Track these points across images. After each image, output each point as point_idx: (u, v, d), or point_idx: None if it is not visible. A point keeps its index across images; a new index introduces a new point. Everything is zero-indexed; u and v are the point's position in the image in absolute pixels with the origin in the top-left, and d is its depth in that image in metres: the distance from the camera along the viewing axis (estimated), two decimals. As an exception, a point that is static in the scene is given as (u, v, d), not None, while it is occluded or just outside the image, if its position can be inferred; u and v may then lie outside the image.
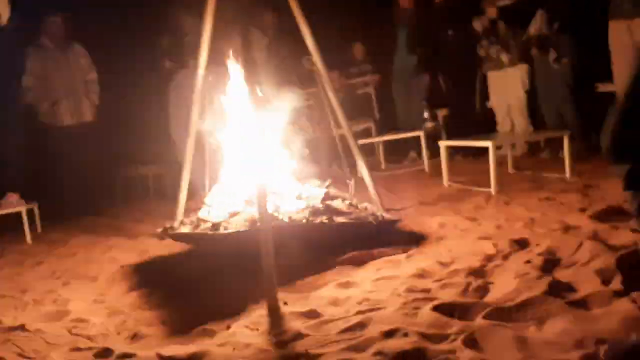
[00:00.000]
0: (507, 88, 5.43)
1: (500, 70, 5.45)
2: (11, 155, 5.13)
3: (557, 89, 4.97)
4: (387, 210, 3.62)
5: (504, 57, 5.35)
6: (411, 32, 6.06)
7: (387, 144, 6.19)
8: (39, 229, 4.74)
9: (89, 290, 2.83)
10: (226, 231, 2.59)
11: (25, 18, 5.24)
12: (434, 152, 5.13)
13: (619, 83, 4.48)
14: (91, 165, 5.40)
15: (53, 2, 5.40)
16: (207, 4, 3.31)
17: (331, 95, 3.50)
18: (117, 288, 2.77)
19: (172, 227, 3.00)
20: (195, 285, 2.60)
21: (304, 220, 2.70)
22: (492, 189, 3.76)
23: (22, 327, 2.25)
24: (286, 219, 2.69)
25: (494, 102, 5.62)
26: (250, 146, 2.80)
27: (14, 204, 4.50)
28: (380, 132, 6.47)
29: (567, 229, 2.64)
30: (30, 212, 4.60)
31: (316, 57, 3.33)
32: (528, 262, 2.22)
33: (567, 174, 3.95)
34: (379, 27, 6.56)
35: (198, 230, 2.74)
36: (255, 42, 5.57)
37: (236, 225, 2.64)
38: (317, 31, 3.33)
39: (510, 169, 4.54)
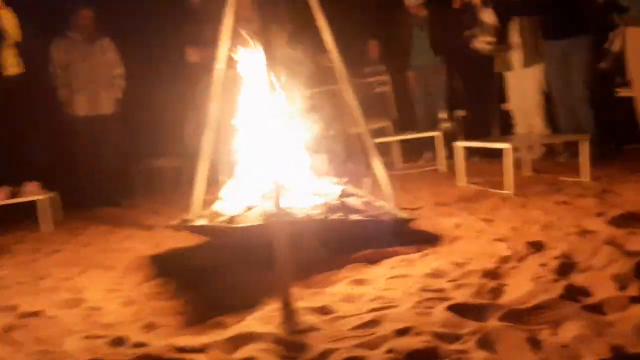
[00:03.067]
0: (523, 89, 5.39)
1: (516, 71, 5.39)
2: (32, 144, 5.24)
3: (574, 90, 4.91)
4: (402, 209, 3.63)
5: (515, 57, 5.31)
6: (435, 33, 6.05)
7: (403, 144, 6.18)
8: (57, 218, 4.81)
9: (105, 279, 2.86)
10: (241, 225, 2.60)
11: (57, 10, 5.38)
12: (451, 153, 5.11)
13: (637, 88, 4.45)
14: (109, 156, 5.48)
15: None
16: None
17: (349, 93, 3.50)
18: (133, 278, 2.80)
19: (188, 219, 3.02)
20: (209, 278, 2.61)
21: (320, 217, 2.70)
22: (509, 191, 3.73)
23: (38, 314, 2.29)
24: (302, 215, 2.70)
25: (511, 103, 5.58)
26: (268, 140, 2.82)
27: (33, 192, 4.57)
28: (396, 132, 6.47)
29: (583, 233, 2.62)
30: (49, 201, 4.67)
31: (334, 54, 3.32)
32: (543, 265, 2.21)
33: (585, 178, 3.91)
34: (394, 25, 6.54)
35: (213, 223, 2.75)
36: (274, 37, 5.59)
37: (251, 219, 2.65)
38: (333, 27, 3.34)
39: (527, 172, 4.51)
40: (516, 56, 5.35)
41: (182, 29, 5.31)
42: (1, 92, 4.82)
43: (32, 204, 4.56)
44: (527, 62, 5.26)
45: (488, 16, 5.34)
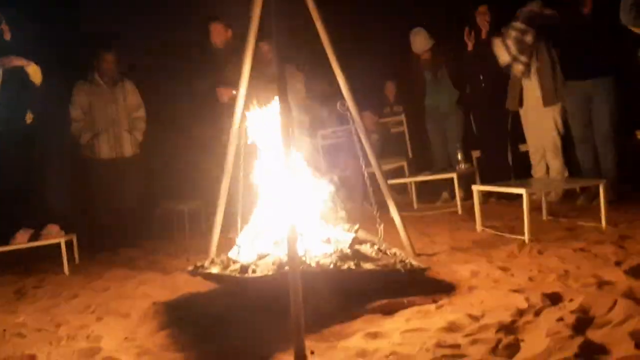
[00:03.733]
0: (541, 129, 5.38)
1: (533, 111, 5.38)
2: (54, 186, 5.35)
3: (598, 131, 4.88)
4: (418, 255, 3.62)
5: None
6: (454, 70, 6.11)
7: (420, 183, 6.18)
8: (77, 260, 4.87)
9: (121, 327, 2.87)
10: (254, 275, 2.62)
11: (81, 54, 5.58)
12: (468, 194, 5.10)
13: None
14: (128, 198, 5.56)
15: (108, 40, 5.69)
16: (248, 43, 3.42)
17: (363, 137, 3.55)
18: (148, 326, 2.81)
19: (202, 266, 3.05)
20: (224, 326, 2.62)
21: (332, 266, 2.71)
22: (526, 237, 3.70)
23: (55, 365, 2.31)
24: (314, 264, 2.70)
25: (529, 144, 5.57)
26: (282, 186, 2.86)
27: (54, 235, 4.65)
28: (413, 172, 6.48)
29: (601, 284, 2.58)
30: (69, 243, 4.74)
31: (349, 101, 3.39)
32: (560, 319, 2.17)
33: (603, 224, 3.86)
34: (409, 68, 6.63)
35: (227, 272, 2.78)
36: (290, 77, 5.70)
37: (264, 268, 2.67)
38: (350, 69, 3.42)
39: (545, 216, 4.47)
40: (532, 95, 5.35)
41: (206, 72, 5.45)
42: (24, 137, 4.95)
43: (52, 246, 4.63)
44: (546, 102, 5.25)
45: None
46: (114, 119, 5.58)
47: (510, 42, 5.27)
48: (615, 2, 4.49)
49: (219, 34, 5.51)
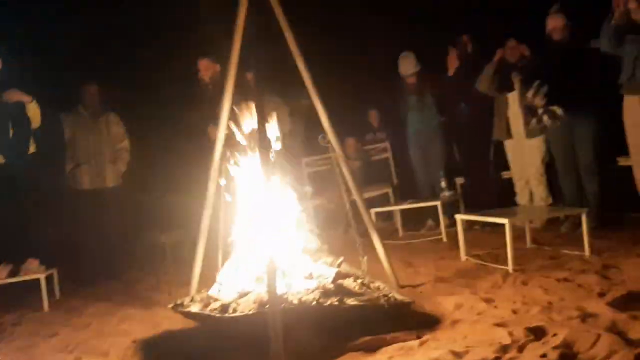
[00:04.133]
0: (524, 158, 5.41)
1: (517, 140, 5.42)
2: (34, 219, 5.28)
3: (580, 160, 4.91)
4: (402, 287, 3.60)
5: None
6: (437, 96, 6.14)
7: (405, 209, 6.16)
8: (58, 295, 4.78)
9: (99, 369, 2.81)
10: (234, 314, 2.58)
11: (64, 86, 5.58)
12: (452, 221, 5.10)
13: (634, 157, 4.46)
14: (111, 229, 5.50)
15: (92, 72, 5.70)
16: (228, 77, 3.43)
17: (344, 167, 3.55)
18: (127, 367, 2.76)
19: (182, 304, 3.00)
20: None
21: (314, 302, 2.67)
22: (510, 267, 3.69)
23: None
24: (295, 301, 2.67)
25: (512, 171, 5.60)
26: (262, 221, 2.84)
27: (34, 270, 4.56)
28: (398, 198, 6.48)
29: (585, 317, 2.56)
30: (50, 277, 4.65)
31: (330, 133, 3.39)
32: (544, 356, 2.16)
33: (587, 252, 3.87)
34: (393, 93, 6.67)
35: (207, 311, 2.73)
36: (275, 110, 5.70)
37: (245, 306, 2.63)
38: (333, 96, 3.43)
39: (529, 243, 4.47)
40: (517, 126, 5.37)
41: (193, 108, 5.46)
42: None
43: (33, 280, 4.54)
44: (529, 134, 5.29)
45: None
46: (96, 150, 5.55)
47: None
48: (593, 30, 4.59)
49: (206, 69, 5.52)
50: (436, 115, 6.21)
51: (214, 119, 5.23)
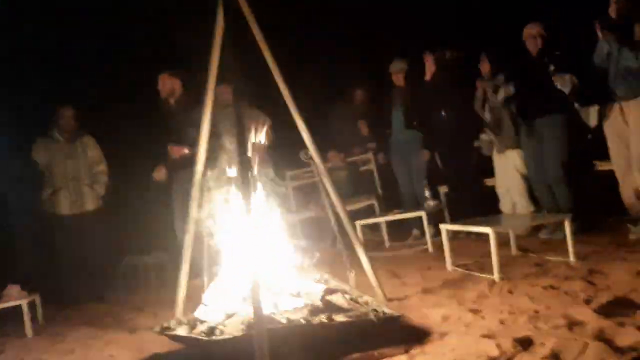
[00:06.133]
0: (505, 169, 5.46)
1: (497, 153, 5.50)
2: (16, 242, 5.21)
3: (548, 170, 4.97)
4: (390, 300, 3.58)
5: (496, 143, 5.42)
6: (407, 108, 6.17)
7: (391, 220, 6.17)
8: (41, 320, 4.70)
9: (84, 397, 2.75)
10: (220, 337, 2.54)
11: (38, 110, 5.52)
12: (438, 230, 5.10)
13: (616, 162, 4.52)
14: (92, 253, 5.43)
15: (66, 95, 5.64)
16: (207, 94, 3.40)
17: (327, 182, 3.53)
18: (113, 394, 2.71)
19: (168, 327, 2.95)
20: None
21: (302, 321, 2.65)
22: (496, 276, 3.70)
23: None
24: (283, 320, 2.64)
25: (496, 181, 5.64)
26: (247, 241, 2.81)
27: (15, 296, 4.48)
28: (383, 209, 6.48)
29: (571, 325, 2.57)
30: (32, 303, 4.57)
31: (312, 150, 3.38)
32: (532, 367, 2.16)
33: (571, 258, 3.89)
34: (380, 105, 6.71)
35: (193, 334, 2.69)
36: (255, 124, 5.68)
37: (232, 328, 2.59)
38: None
39: (514, 251, 4.49)
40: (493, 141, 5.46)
41: (160, 127, 5.42)
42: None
43: (15, 306, 4.46)
44: (500, 149, 5.37)
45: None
46: (73, 175, 5.48)
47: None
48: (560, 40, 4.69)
49: (164, 85, 5.42)
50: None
51: (178, 136, 5.28)
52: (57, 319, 4.77)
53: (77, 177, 5.49)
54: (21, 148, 5.37)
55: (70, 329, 4.29)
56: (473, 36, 6.24)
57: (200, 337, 2.61)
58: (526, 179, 5.34)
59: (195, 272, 3.53)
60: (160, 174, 5.41)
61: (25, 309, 4.39)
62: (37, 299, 4.72)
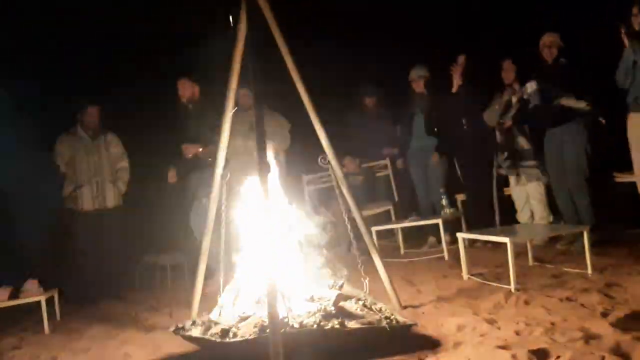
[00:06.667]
0: (525, 178, 5.42)
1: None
2: (34, 240, 5.29)
3: (570, 178, 4.93)
4: (404, 307, 3.57)
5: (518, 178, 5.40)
6: (429, 115, 6.16)
7: (406, 227, 6.15)
8: (58, 316, 4.76)
9: (99, 395, 2.79)
10: (234, 339, 2.56)
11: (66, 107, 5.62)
12: (454, 238, 5.08)
13: (639, 173, 4.46)
14: (111, 250, 5.50)
15: (91, 93, 5.74)
16: (229, 92, 3.43)
17: (344, 188, 3.54)
18: (128, 392, 2.74)
19: (183, 328, 2.98)
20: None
21: (315, 326, 2.66)
22: (512, 287, 3.67)
23: None
24: (296, 324, 2.65)
25: (512, 190, 5.59)
26: (264, 244, 2.82)
27: (33, 292, 4.54)
28: (399, 216, 6.46)
29: (588, 338, 2.54)
30: (49, 299, 4.63)
31: (330, 154, 3.39)
32: (547, 380, 2.14)
33: (589, 270, 3.85)
34: (397, 111, 6.71)
35: (207, 335, 2.71)
36: (277, 127, 5.72)
37: (245, 331, 2.61)
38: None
39: (531, 261, 4.45)
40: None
41: (176, 126, 5.50)
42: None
43: (33, 302, 4.52)
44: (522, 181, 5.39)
45: (524, 141, 5.41)
46: (96, 171, 5.56)
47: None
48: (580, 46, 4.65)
49: (185, 90, 5.54)
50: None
51: (192, 138, 5.37)
52: (74, 316, 4.82)
53: (100, 173, 5.57)
54: (42, 145, 5.45)
55: (86, 326, 4.34)
56: (487, 44, 6.22)
57: (214, 339, 2.63)
58: (546, 187, 5.29)
59: (211, 272, 3.56)
60: (172, 176, 5.55)
61: (43, 305, 4.45)
62: (56, 295, 4.78)
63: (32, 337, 4.29)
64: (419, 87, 6.27)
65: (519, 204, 5.55)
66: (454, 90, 5.89)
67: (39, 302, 4.47)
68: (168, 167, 5.59)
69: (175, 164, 5.57)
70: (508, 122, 5.39)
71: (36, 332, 4.39)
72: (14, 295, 4.53)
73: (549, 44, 5.01)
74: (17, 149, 5.00)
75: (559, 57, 4.98)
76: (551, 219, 5.32)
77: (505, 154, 5.41)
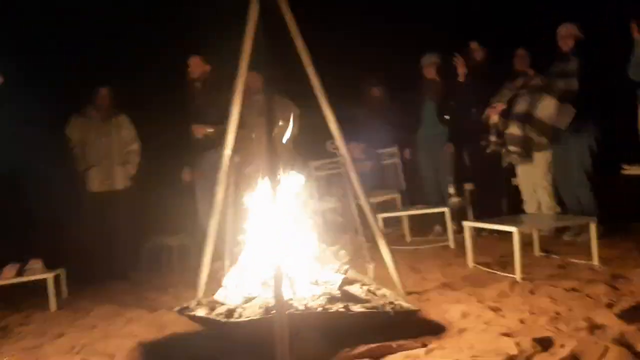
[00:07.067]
0: (532, 168, 5.39)
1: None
2: (41, 219, 5.32)
3: (573, 173, 4.92)
4: (409, 293, 3.57)
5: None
6: (439, 103, 6.13)
7: (413, 214, 6.14)
8: (64, 296, 4.80)
9: (104, 371, 2.82)
10: (239, 319, 2.58)
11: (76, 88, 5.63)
12: (461, 227, 5.08)
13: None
14: (118, 231, 5.53)
15: (103, 74, 5.74)
16: (239, 78, 3.41)
17: (352, 174, 3.53)
18: (132, 369, 2.77)
19: (188, 308, 3.00)
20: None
21: (320, 309, 2.67)
22: (517, 276, 3.67)
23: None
24: (301, 307, 2.66)
25: (520, 180, 5.57)
26: (270, 228, 2.83)
27: (39, 271, 4.58)
28: (406, 204, 6.46)
29: (593, 328, 2.55)
30: (56, 278, 4.67)
31: (338, 140, 3.38)
32: (550, 367, 2.14)
33: (595, 261, 3.84)
34: (405, 97, 6.67)
35: (212, 315, 2.73)
36: (286, 112, 5.71)
37: (250, 311, 2.63)
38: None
39: (537, 252, 4.45)
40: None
41: (186, 107, 5.50)
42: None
43: (40, 280, 4.56)
44: (538, 148, 5.30)
45: (514, 128, 5.36)
46: (105, 153, 5.57)
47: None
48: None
49: (197, 67, 5.52)
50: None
51: (200, 117, 5.36)
52: (80, 295, 4.86)
53: (109, 155, 5.58)
54: (52, 125, 5.46)
55: (93, 305, 4.38)
56: (497, 33, 6.17)
57: (219, 319, 2.64)
58: (554, 179, 5.27)
59: (217, 255, 3.57)
60: (187, 175, 5.62)
61: (50, 283, 4.49)
62: (62, 273, 4.82)
63: (38, 314, 4.33)
64: (430, 73, 6.22)
65: (526, 194, 5.52)
66: (460, 79, 5.85)
67: (44, 282, 4.51)
68: (183, 167, 5.64)
69: (188, 160, 5.57)
70: (501, 105, 5.33)
71: (43, 310, 4.43)
72: (20, 274, 4.57)
73: (565, 35, 4.94)
74: (26, 128, 5.01)
75: (574, 49, 4.92)
76: (558, 209, 5.30)
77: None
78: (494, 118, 5.37)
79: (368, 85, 6.91)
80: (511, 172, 5.71)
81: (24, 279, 4.55)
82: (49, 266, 4.66)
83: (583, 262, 3.97)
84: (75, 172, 5.56)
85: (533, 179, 5.41)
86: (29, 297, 4.76)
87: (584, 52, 4.86)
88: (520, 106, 5.17)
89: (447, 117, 6.07)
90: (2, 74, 4.70)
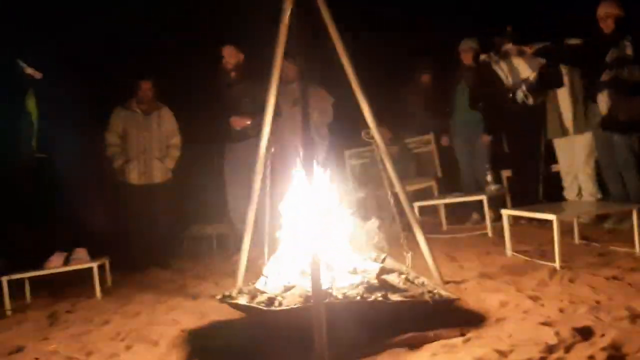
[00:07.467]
0: (573, 154, 5.29)
1: (567, 137, 5.31)
2: (87, 209, 5.46)
3: (619, 156, 4.80)
4: (446, 282, 3.58)
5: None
6: (473, 89, 6.05)
7: (449, 203, 6.11)
8: (109, 284, 4.96)
9: (150, 356, 2.90)
10: (280, 307, 2.63)
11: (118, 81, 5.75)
12: (498, 215, 5.03)
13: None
14: (159, 221, 5.65)
15: (147, 67, 5.83)
16: (274, 68, 3.44)
17: (388, 164, 3.54)
18: (177, 355, 2.85)
19: (230, 296, 3.07)
20: (250, 357, 2.64)
21: (358, 298, 2.70)
22: (557, 264, 3.63)
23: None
24: (340, 295, 2.70)
25: (560, 166, 5.47)
26: (309, 216, 2.87)
27: (84, 260, 4.73)
28: (442, 192, 6.42)
29: (634, 317, 2.51)
30: (101, 266, 4.82)
31: (374, 129, 3.39)
32: (591, 357, 2.13)
33: (637, 249, 3.77)
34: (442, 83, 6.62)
35: (253, 303, 2.79)
36: (321, 101, 5.74)
37: (290, 300, 2.67)
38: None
39: (577, 240, 4.38)
40: (568, 122, 5.27)
41: (222, 99, 5.55)
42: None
43: (85, 268, 4.71)
44: (578, 129, 5.17)
45: (523, 69, 5.26)
46: (145, 147, 5.66)
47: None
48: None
49: (231, 56, 5.56)
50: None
51: (235, 106, 5.41)
52: (124, 284, 5.00)
53: (149, 149, 5.66)
54: (93, 119, 5.59)
55: (136, 293, 4.51)
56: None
57: (260, 307, 2.70)
58: (596, 163, 5.16)
59: (255, 243, 3.63)
60: (239, 123, 5.54)
61: (95, 271, 4.63)
62: (107, 262, 4.97)
63: (84, 302, 4.47)
64: (467, 59, 6.15)
65: (567, 180, 5.43)
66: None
67: (89, 270, 4.66)
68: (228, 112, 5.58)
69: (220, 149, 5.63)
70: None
71: (89, 297, 4.57)
72: (66, 263, 4.73)
73: (603, 16, 4.82)
74: (66, 121, 5.13)
75: (616, 29, 4.77)
76: (600, 196, 5.19)
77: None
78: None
79: (419, 72, 6.86)
80: (552, 157, 5.61)
81: (71, 267, 4.71)
82: (92, 255, 4.81)
83: (625, 249, 3.89)
84: (116, 164, 5.68)
85: (574, 165, 5.32)
86: (73, 285, 4.93)
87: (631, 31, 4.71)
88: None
89: (480, 104, 5.99)
90: (40, 69, 4.84)
